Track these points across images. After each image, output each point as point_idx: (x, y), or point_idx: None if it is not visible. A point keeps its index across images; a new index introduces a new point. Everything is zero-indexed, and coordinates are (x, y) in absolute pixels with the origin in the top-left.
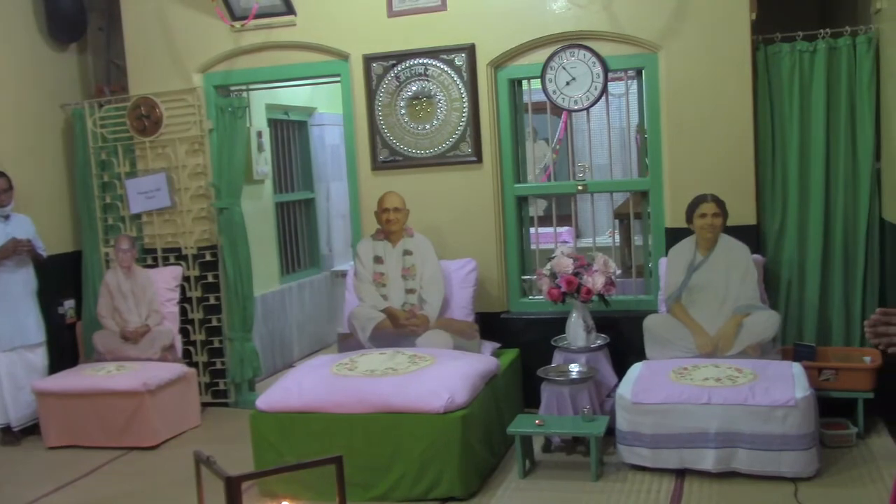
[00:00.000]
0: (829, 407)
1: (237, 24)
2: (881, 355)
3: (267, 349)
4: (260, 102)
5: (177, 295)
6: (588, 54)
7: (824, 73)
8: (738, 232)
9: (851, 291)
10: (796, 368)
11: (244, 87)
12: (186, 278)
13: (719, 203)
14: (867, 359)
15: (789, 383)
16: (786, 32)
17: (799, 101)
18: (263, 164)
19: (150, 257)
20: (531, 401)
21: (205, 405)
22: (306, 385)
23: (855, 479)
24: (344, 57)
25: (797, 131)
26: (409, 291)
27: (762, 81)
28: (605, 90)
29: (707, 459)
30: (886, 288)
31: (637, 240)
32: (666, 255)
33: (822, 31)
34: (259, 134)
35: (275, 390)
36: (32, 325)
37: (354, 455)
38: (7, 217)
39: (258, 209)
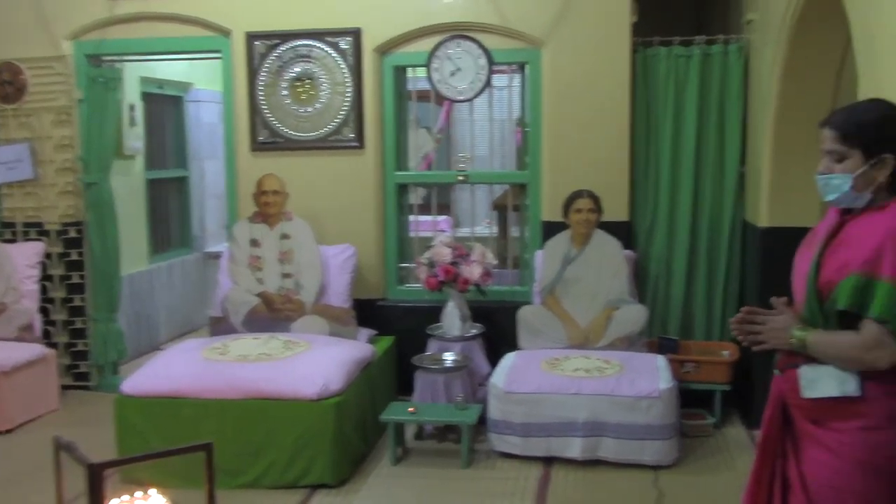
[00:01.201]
0: (690, 398)
1: None
2: (738, 349)
3: (133, 331)
4: (134, 74)
5: (37, 272)
6: (474, 46)
7: (698, 79)
8: (612, 227)
9: (714, 288)
10: (660, 361)
11: (117, 58)
12: (48, 255)
13: (595, 199)
14: (725, 353)
15: (654, 375)
16: (664, 37)
17: (673, 103)
18: (135, 139)
19: (9, 231)
20: (405, 388)
21: (65, 388)
22: (175, 369)
23: (711, 467)
24: (225, 33)
25: (670, 133)
26: (286, 276)
27: (640, 83)
28: (489, 82)
29: (574, 448)
30: (746, 286)
31: (514, 231)
32: (542, 247)
33: (697, 37)
34: (132, 107)
35: (141, 374)
36: None
37: (224, 441)
38: None
39: (128, 185)
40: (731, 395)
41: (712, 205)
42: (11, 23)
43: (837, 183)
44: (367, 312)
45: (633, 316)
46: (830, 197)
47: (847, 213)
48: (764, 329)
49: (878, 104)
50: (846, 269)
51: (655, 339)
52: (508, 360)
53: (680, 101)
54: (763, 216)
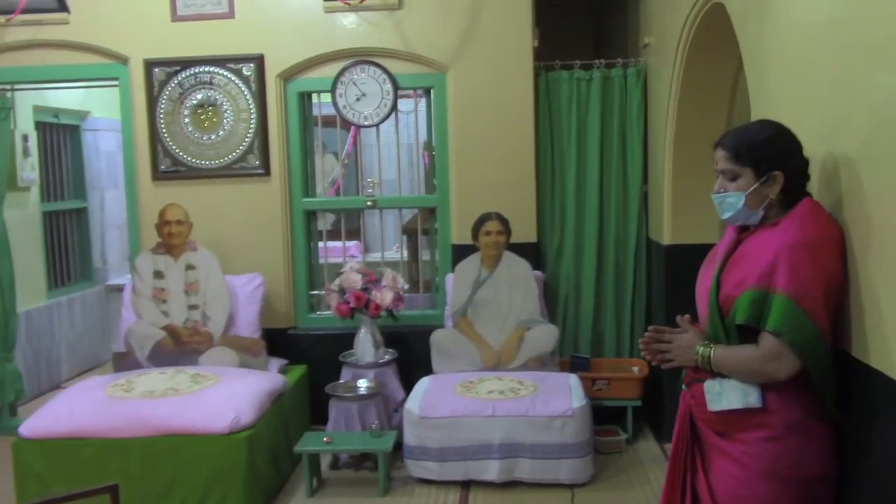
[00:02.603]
0: (602, 415)
1: (1, 19)
2: (647, 366)
3: (32, 370)
4: (26, 103)
5: None
6: (379, 71)
7: (599, 101)
8: (521, 249)
9: (622, 306)
10: (573, 380)
11: (8, 87)
12: None
13: (503, 221)
14: (635, 369)
15: (567, 394)
16: (565, 60)
17: (576, 125)
18: (29, 169)
19: None
20: (319, 418)
21: None
22: (77, 408)
23: (625, 482)
24: (122, 60)
25: (574, 154)
26: (192, 308)
27: (543, 106)
28: (394, 107)
29: (491, 470)
30: (652, 302)
31: (425, 255)
32: (452, 270)
33: (597, 61)
34: (25, 137)
35: (41, 414)
36: None
37: (132, 482)
38: None
39: (23, 218)
40: (642, 410)
41: (617, 224)
42: None
43: (732, 201)
44: (278, 342)
45: (545, 335)
46: (726, 215)
47: (744, 231)
48: (671, 348)
49: (767, 124)
50: (743, 284)
51: (568, 358)
52: (423, 384)
53: (583, 123)
54: (666, 234)
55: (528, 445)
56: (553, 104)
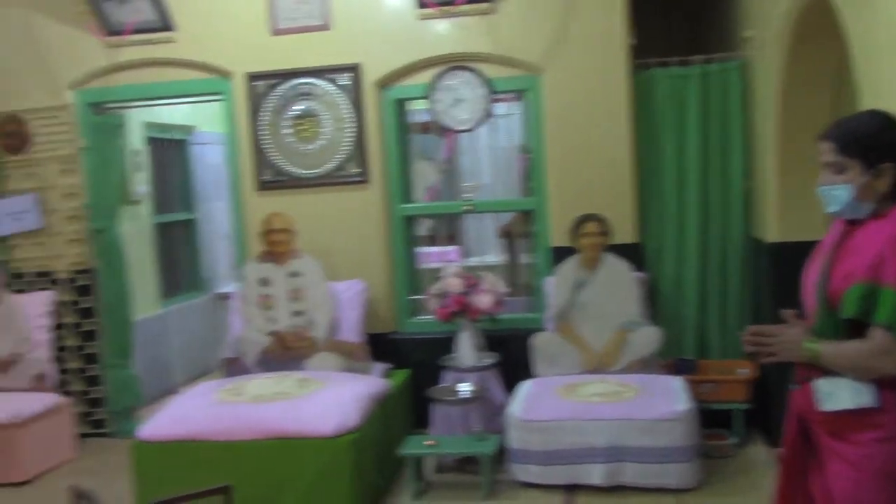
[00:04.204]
0: (710, 418)
1: (112, 40)
2: (756, 367)
3: (148, 376)
4: (137, 120)
5: (48, 321)
6: (473, 76)
7: (698, 97)
8: (621, 250)
9: (727, 306)
10: (678, 382)
11: (121, 105)
12: (61, 303)
13: (602, 222)
14: (743, 371)
15: (672, 397)
16: (662, 58)
17: (675, 123)
18: (141, 183)
19: (19, 282)
20: (422, 421)
21: (83, 436)
22: (191, 412)
23: (735, 488)
24: (226, 75)
25: (674, 153)
26: (297, 314)
27: (640, 104)
28: (490, 111)
29: (595, 474)
30: (759, 301)
31: (523, 258)
32: (552, 273)
33: (695, 56)
34: (137, 153)
35: (157, 418)
36: None
37: (243, 484)
38: None
39: (136, 231)
40: (751, 413)
41: (720, 222)
42: (14, 74)
43: (838, 194)
44: (381, 346)
45: (648, 338)
46: (833, 208)
47: (852, 223)
48: (775, 342)
49: (875, 115)
50: (852, 277)
51: (671, 361)
52: (524, 388)
53: (681, 120)
54: (771, 231)
55: (632, 449)
56: (650, 103)
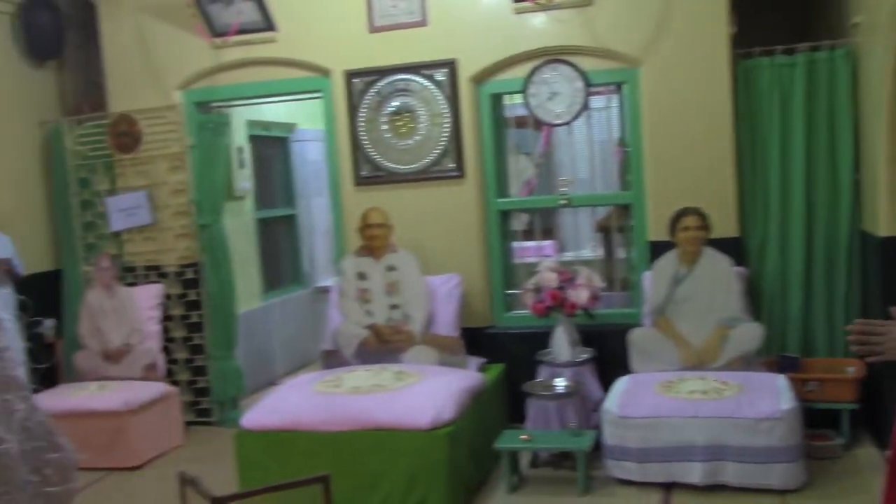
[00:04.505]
0: (815, 418)
1: (217, 41)
2: (865, 366)
3: (250, 367)
4: (241, 118)
5: (158, 313)
6: (569, 69)
7: (804, 87)
8: (721, 244)
9: (834, 302)
10: (781, 380)
11: (225, 104)
12: (168, 296)
13: (702, 216)
14: (851, 369)
15: (775, 395)
16: (765, 46)
17: (779, 114)
18: (245, 180)
19: (130, 275)
20: (517, 416)
21: (188, 424)
22: (291, 403)
23: (841, 490)
24: (325, 73)
25: (777, 144)
26: (394, 307)
27: (742, 95)
28: (586, 104)
29: (694, 473)
30: (868, 298)
31: (620, 253)
32: (649, 268)
33: (800, 44)
34: (240, 150)
35: (259, 409)
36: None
37: (340, 474)
38: None
39: (240, 225)
40: (860, 414)
41: (827, 216)
42: (125, 77)
43: None
44: (476, 341)
45: (749, 334)
46: None
47: None
48: (883, 340)
49: None
50: None
51: (774, 358)
52: (621, 384)
53: (786, 111)
54: (882, 225)
55: (733, 448)
56: (753, 93)
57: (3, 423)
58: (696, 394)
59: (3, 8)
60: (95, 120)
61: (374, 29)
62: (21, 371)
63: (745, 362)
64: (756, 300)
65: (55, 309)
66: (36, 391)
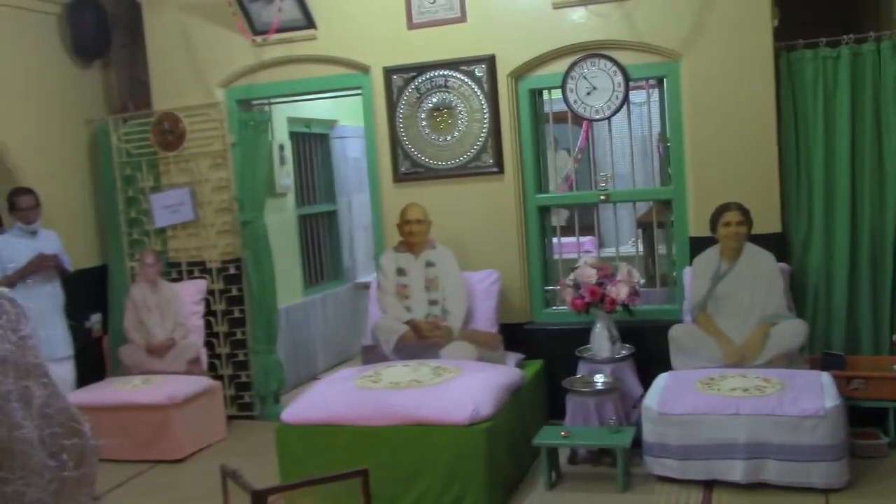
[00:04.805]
0: (859, 417)
1: (258, 39)
2: None
3: (291, 362)
4: (282, 116)
5: (201, 308)
6: (609, 64)
7: (848, 80)
8: (764, 240)
9: (880, 300)
10: (825, 378)
11: (266, 101)
12: (211, 291)
13: (744, 211)
14: None
15: (818, 393)
16: (808, 39)
17: (823, 107)
18: (286, 177)
19: (174, 271)
20: (556, 412)
21: (230, 418)
22: (331, 398)
23: (888, 490)
24: (364, 70)
25: (822, 138)
26: (433, 303)
27: (785, 88)
28: (626, 99)
29: (736, 471)
30: None
31: (660, 249)
32: (690, 264)
33: (845, 36)
34: (281, 147)
35: (300, 403)
36: (60, 339)
37: (379, 468)
38: (35, 233)
39: (281, 222)
40: None
41: (872, 211)
42: (169, 76)
43: None
44: (515, 336)
45: (792, 331)
46: None
47: None
48: None
49: None
50: None
51: (818, 356)
52: (661, 380)
53: (830, 104)
54: None
55: (775, 446)
56: (797, 86)
57: (23, 410)
58: (737, 391)
59: (50, 9)
60: (140, 118)
61: (412, 26)
62: (65, 375)
63: (787, 360)
64: (799, 297)
65: (101, 304)
66: (83, 385)
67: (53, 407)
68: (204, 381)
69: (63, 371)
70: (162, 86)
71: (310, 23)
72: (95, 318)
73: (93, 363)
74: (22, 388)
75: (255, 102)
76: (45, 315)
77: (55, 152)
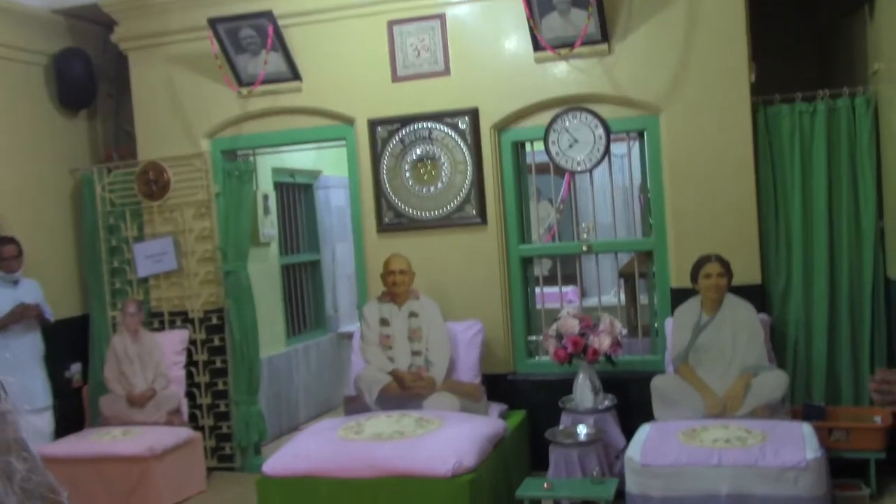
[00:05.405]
0: (841, 468)
1: (244, 90)
2: (892, 415)
3: (273, 412)
4: (266, 166)
5: (183, 358)
6: (590, 117)
7: (825, 134)
8: (744, 291)
9: (859, 350)
10: (806, 429)
11: (251, 152)
12: (193, 341)
13: (724, 263)
14: (878, 419)
15: (800, 444)
16: (785, 94)
17: (800, 161)
18: (269, 226)
19: (156, 321)
20: (539, 463)
21: (211, 469)
22: (313, 449)
23: None
24: (349, 121)
25: (799, 191)
26: (416, 353)
27: (763, 142)
28: (607, 151)
29: None
30: (894, 345)
31: (642, 299)
32: (672, 314)
33: (820, 91)
34: (265, 197)
35: (282, 454)
36: (39, 389)
37: None
38: (16, 282)
39: (264, 271)
40: (887, 463)
41: (850, 263)
42: (154, 126)
43: None
44: (497, 387)
45: (773, 382)
46: None
47: None
48: None
49: None
50: None
51: (799, 406)
52: (644, 431)
53: (807, 157)
54: None
55: (757, 498)
56: (774, 140)
57: (4, 485)
58: (719, 442)
59: (37, 59)
60: (125, 167)
61: (397, 78)
62: (44, 426)
63: (769, 411)
64: (780, 347)
65: (82, 353)
66: (62, 435)
67: (34, 481)
68: (184, 433)
69: (41, 422)
70: (147, 136)
71: (295, 75)
72: (75, 368)
73: (72, 413)
74: (4, 463)
75: (240, 153)
76: (24, 365)
77: (39, 201)
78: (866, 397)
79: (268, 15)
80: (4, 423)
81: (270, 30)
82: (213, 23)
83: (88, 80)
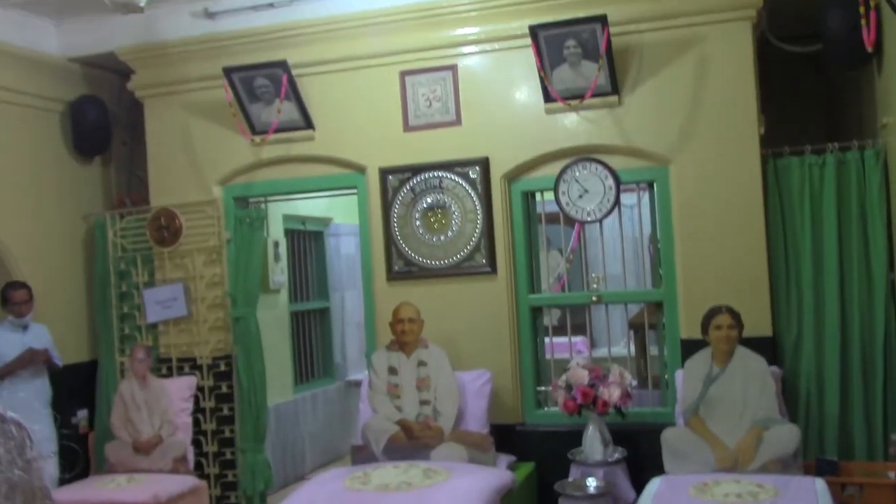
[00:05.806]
0: None
1: (257, 139)
2: None
3: (279, 461)
4: (278, 213)
5: (190, 405)
6: (600, 167)
7: (834, 186)
8: (755, 343)
9: (872, 403)
10: (819, 484)
11: (263, 199)
12: (201, 388)
13: (734, 315)
14: (892, 474)
15: (812, 500)
16: (794, 146)
17: (810, 213)
18: (280, 273)
19: (164, 367)
20: None
21: None
22: (319, 499)
23: None
24: (361, 169)
25: (809, 243)
26: (424, 403)
27: (773, 194)
28: (617, 202)
29: None
30: None
31: (652, 350)
32: (682, 366)
33: (830, 144)
34: (276, 244)
35: None
36: (45, 436)
37: None
38: (26, 327)
39: (273, 318)
40: None
41: (862, 315)
42: (167, 173)
43: None
44: (506, 438)
45: (785, 436)
46: None
47: None
48: None
49: None
50: None
51: (812, 461)
52: (654, 485)
53: (817, 210)
54: None
55: None
56: (784, 192)
57: None
58: (731, 496)
59: (52, 106)
60: (137, 213)
61: (409, 128)
62: (50, 472)
63: (781, 465)
64: (791, 401)
65: (89, 399)
66: (67, 482)
67: None
68: (189, 481)
69: (47, 468)
70: (160, 182)
71: (308, 124)
72: (82, 414)
73: (78, 460)
74: None
75: (251, 200)
76: (31, 410)
77: (51, 246)
78: (880, 452)
79: (282, 65)
80: (31, 471)
81: (284, 79)
82: (228, 72)
83: (103, 128)
